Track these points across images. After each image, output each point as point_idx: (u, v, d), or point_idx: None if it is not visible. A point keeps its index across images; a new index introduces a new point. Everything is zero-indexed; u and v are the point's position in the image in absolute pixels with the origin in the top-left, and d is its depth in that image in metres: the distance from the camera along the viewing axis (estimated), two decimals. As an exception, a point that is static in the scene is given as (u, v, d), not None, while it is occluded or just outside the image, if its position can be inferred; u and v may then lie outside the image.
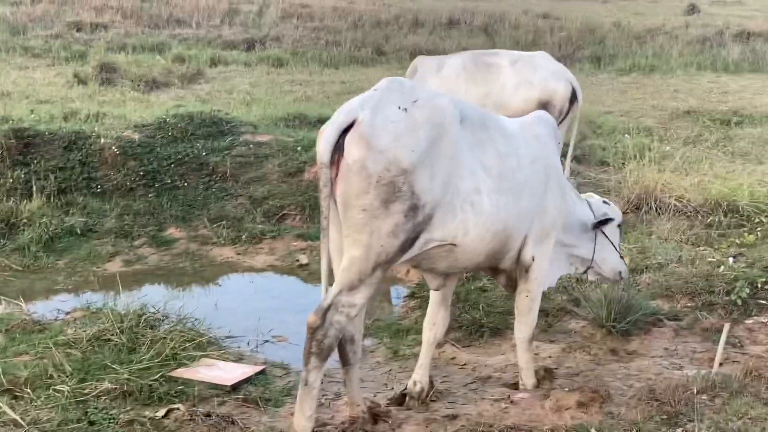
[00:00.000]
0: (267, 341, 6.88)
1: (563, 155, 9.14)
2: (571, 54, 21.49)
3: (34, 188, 9.53)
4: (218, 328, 6.83)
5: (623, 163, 11.12)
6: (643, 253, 8.66)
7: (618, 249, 6.45)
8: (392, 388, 6.04)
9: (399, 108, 4.66)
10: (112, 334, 6.34)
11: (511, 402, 5.62)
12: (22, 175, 9.69)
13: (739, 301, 7.28)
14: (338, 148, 4.58)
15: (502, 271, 5.68)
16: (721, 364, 6.26)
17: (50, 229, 8.97)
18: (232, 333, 6.87)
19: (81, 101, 14.47)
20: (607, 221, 6.32)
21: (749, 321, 7.11)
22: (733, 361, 6.30)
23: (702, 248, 8.86)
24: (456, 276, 5.80)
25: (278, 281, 8.51)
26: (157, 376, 5.67)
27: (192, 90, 16.94)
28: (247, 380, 5.85)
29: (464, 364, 6.47)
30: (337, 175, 4.59)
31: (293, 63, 20.36)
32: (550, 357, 6.57)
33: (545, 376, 6.00)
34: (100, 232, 9.26)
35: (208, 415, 5.10)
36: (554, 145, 5.71)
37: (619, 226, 6.52)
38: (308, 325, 4.67)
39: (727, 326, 5.98)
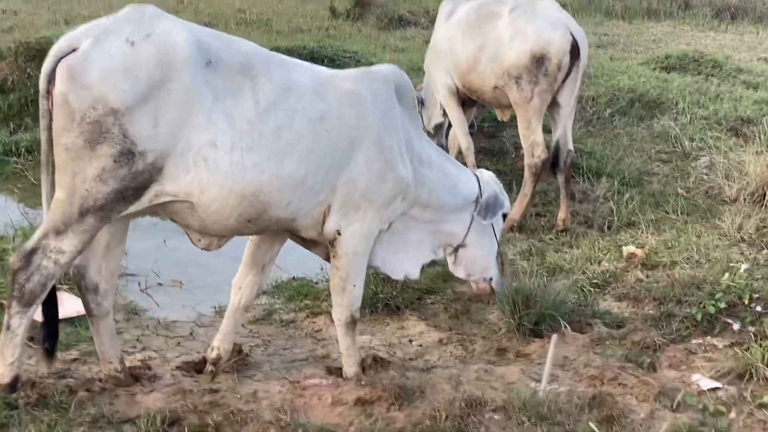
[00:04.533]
0: (160, 284, 6.68)
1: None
2: None
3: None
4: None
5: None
6: (671, 248, 7.55)
7: (497, 244, 5.65)
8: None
9: (126, 41, 4.24)
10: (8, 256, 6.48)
11: (302, 388, 5.10)
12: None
13: (699, 316, 6.16)
14: (53, 78, 4.29)
15: (310, 241, 5.14)
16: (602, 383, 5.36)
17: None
18: (133, 272, 6.75)
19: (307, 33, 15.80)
20: (493, 204, 5.58)
21: (696, 341, 6.00)
22: (620, 384, 5.35)
23: (759, 251, 7.64)
24: (277, 241, 5.29)
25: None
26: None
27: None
28: (72, 319, 5.73)
29: (323, 339, 5.96)
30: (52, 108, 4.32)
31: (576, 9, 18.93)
32: (420, 346, 5.91)
33: (372, 365, 5.38)
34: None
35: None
36: (383, 105, 4.93)
37: (504, 215, 5.69)
38: (10, 266, 4.46)
39: (554, 337, 5.04)
